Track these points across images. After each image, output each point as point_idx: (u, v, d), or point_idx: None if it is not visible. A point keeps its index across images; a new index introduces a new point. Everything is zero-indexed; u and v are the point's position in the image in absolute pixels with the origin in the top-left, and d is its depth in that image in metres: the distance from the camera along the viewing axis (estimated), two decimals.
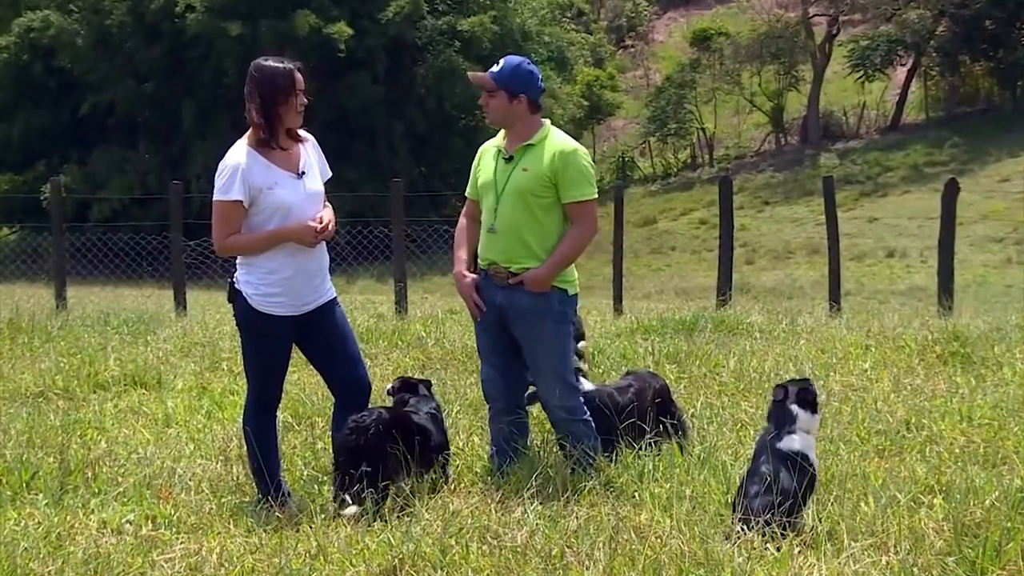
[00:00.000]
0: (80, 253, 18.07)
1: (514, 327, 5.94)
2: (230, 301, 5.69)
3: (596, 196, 5.93)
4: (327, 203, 5.78)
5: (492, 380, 6.10)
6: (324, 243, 5.70)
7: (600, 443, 5.98)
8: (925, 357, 8.76)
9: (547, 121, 6.04)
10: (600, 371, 8.28)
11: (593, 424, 6.02)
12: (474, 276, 6.03)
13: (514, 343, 6.00)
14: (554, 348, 5.92)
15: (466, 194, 6.25)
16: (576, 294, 6.07)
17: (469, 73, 6.14)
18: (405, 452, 5.51)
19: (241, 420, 5.93)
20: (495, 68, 5.92)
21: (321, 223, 5.60)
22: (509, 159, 5.91)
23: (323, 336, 5.74)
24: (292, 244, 5.55)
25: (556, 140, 5.91)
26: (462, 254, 6.10)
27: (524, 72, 5.90)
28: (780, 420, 5.13)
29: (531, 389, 6.16)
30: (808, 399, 5.18)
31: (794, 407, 5.12)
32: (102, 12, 37.10)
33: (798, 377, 5.40)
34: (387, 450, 5.46)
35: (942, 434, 6.53)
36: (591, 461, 5.81)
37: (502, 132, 6.07)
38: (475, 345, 6.43)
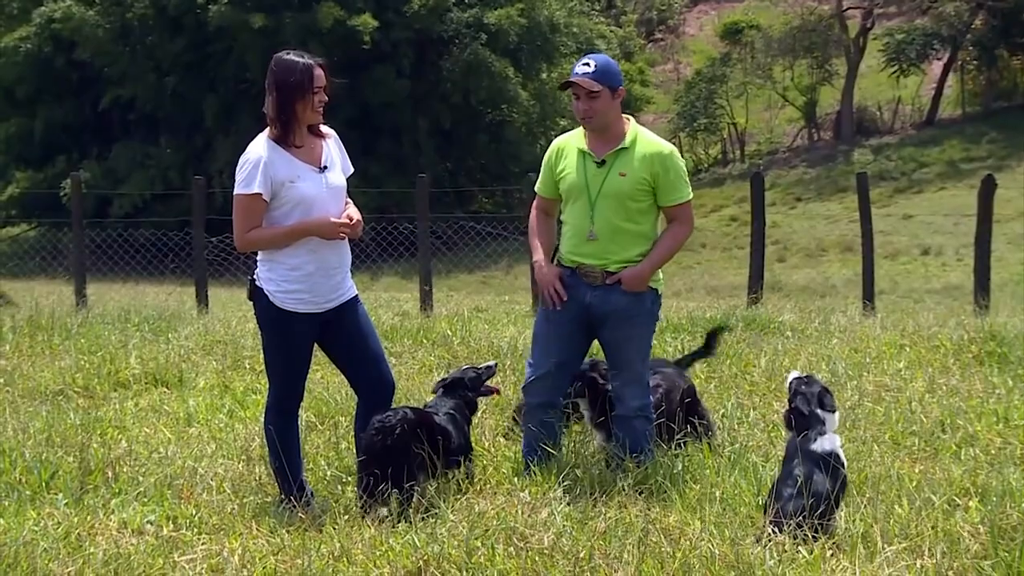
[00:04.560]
0: (100, 249, 18.09)
1: (604, 327, 5.89)
2: (250, 299, 5.63)
3: (692, 196, 5.95)
4: (350, 202, 5.71)
5: (541, 377, 5.98)
6: (347, 240, 5.65)
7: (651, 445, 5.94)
8: (961, 357, 8.67)
9: (631, 118, 5.95)
10: None
11: (654, 426, 5.98)
12: (558, 269, 5.96)
13: (585, 343, 5.99)
14: (641, 347, 5.93)
15: (536, 189, 6.16)
16: (662, 292, 6.06)
17: (570, 80, 5.81)
18: (429, 452, 5.44)
19: (263, 419, 5.87)
20: (587, 68, 5.77)
21: (351, 220, 5.54)
22: (601, 163, 5.82)
23: (345, 334, 5.67)
24: (314, 240, 5.50)
25: (648, 140, 5.86)
26: (538, 243, 6.07)
27: (615, 66, 5.89)
28: (808, 423, 5.08)
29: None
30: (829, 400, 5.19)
31: (820, 411, 5.10)
32: (123, 4, 37.16)
33: (803, 375, 5.35)
34: (412, 450, 5.40)
35: (978, 435, 6.48)
36: (647, 460, 5.77)
37: (580, 129, 5.97)
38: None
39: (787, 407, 5.23)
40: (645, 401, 5.96)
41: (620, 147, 5.80)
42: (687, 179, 5.91)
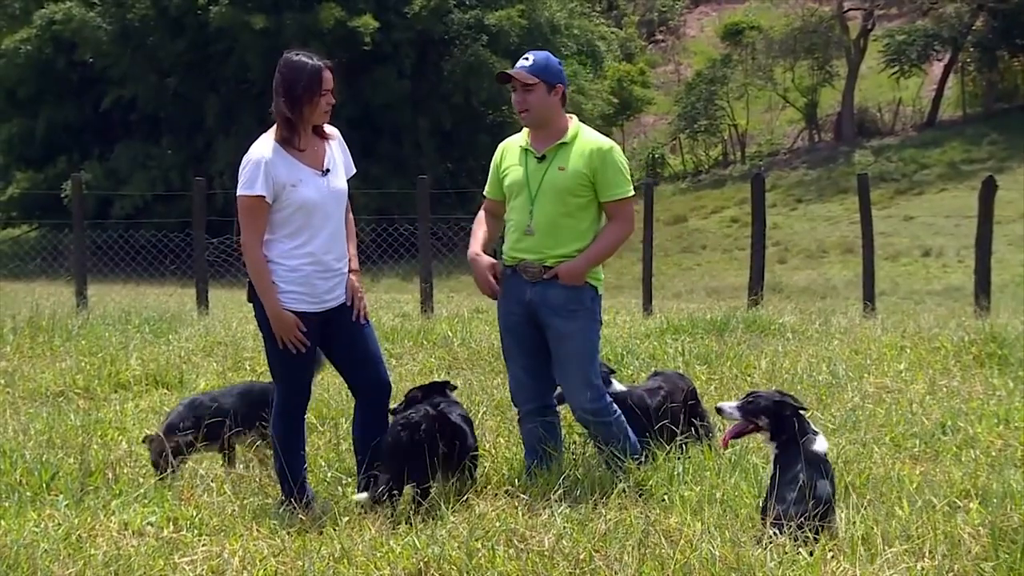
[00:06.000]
0: (101, 251, 18.12)
1: (544, 323, 5.87)
2: (250, 300, 5.62)
3: (633, 193, 5.93)
4: (356, 270, 5.75)
5: (520, 383, 6.01)
6: (346, 239, 5.69)
7: (631, 444, 5.90)
8: (961, 359, 8.67)
9: (575, 117, 6.00)
10: (629, 372, 8.21)
11: (625, 424, 5.94)
12: (491, 259, 5.98)
13: (542, 342, 5.93)
14: (582, 346, 5.86)
15: (485, 193, 6.18)
16: (602, 294, 6.03)
17: (505, 71, 5.95)
18: (446, 452, 5.52)
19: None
20: (525, 63, 5.84)
21: (358, 293, 5.67)
22: (541, 158, 5.84)
23: (344, 335, 5.68)
24: (314, 242, 5.49)
25: (589, 137, 5.88)
26: (480, 235, 6.07)
27: (555, 63, 5.90)
28: (802, 427, 5.08)
29: (559, 389, 6.08)
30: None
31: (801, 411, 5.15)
32: (125, 5, 37.18)
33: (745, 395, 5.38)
34: (436, 448, 5.47)
35: (979, 437, 6.47)
36: (620, 462, 5.74)
37: (525, 131, 6.00)
38: (501, 345, 6.34)
39: (766, 419, 5.14)
40: (599, 404, 5.89)
41: (560, 142, 5.83)
42: (628, 176, 5.88)
